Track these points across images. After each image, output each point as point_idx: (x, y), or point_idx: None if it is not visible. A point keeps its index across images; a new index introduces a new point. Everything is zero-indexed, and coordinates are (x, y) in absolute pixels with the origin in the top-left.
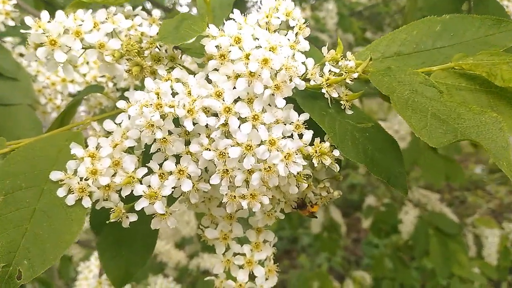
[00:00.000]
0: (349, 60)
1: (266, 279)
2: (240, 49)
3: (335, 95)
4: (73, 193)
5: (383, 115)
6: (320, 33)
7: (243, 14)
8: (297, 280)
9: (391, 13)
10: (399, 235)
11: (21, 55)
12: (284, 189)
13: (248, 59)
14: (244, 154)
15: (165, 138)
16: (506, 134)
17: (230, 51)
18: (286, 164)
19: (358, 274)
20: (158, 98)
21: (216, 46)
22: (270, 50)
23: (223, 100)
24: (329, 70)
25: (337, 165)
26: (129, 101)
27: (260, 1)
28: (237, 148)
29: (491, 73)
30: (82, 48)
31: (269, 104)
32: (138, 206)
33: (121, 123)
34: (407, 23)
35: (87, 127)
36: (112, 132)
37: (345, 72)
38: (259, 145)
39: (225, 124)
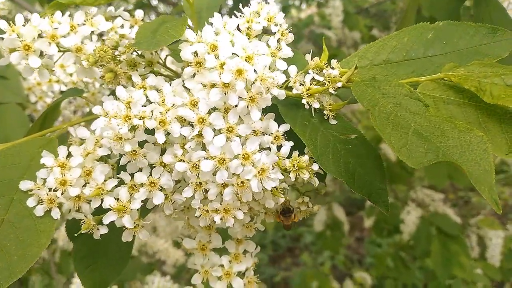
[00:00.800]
0: (333, 69)
1: None
2: (216, 58)
3: (316, 105)
4: (42, 203)
5: None
6: (327, 30)
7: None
8: (299, 278)
9: (398, 11)
10: (402, 235)
11: None
12: (262, 202)
13: (223, 69)
14: (217, 168)
15: (134, 150)
16: (490, 156)
17: (205, 59)
18: (260, 179)
19: (358, 275)
20: (127, 109)
21: (194, 53)
22: (246, 60)
23: (198, 110)
24: (311, 79)
25: (316, 179)
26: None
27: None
28: (210, 162)
29: (480, 88)
30: (60, 51)
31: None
32: (106, 219)
33: (95, 130)
34: (406, 22)
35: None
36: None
37: (328, 81)
38: (233, 159)
39: (200, 135)
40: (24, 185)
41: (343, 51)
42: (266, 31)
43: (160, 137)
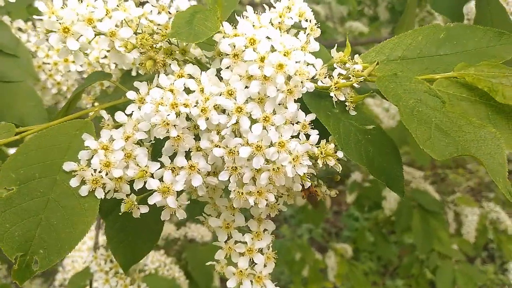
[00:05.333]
0: (357, 64)
1: (265, 265)
2: (255, 51)
3: (342, 98)
4: (86, 184)
5: None
6: (315, 5)
7: (256, 12)
8: (279, 249)
9: None
10: (381, 211)
11: (20, 29)
12: (288, 185)
13: (263, 62)
14: (254, 154)
15: (179, 136)
16: (503, 150)
17: (244, 51)
18: (294, 165)
19: (339, 246)
20: (173, 97)
21: (230, 45)
22: (284, 55)
23: (235, 99)
24: (338, 74)
25: (339, 165)
26: (139, 92)
27: None
28: (247, 148)
29: (492, 89)
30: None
31: (278, 103)
32: (151, 200)
33: (131, 114)
34: (408, 16)
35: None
36: (123, 123)
37: (352, 76)
38: (269, 146)
39: (236, 122)
40: (68, 166)
41: (329, 25)
42: None
43: (202, 124)
